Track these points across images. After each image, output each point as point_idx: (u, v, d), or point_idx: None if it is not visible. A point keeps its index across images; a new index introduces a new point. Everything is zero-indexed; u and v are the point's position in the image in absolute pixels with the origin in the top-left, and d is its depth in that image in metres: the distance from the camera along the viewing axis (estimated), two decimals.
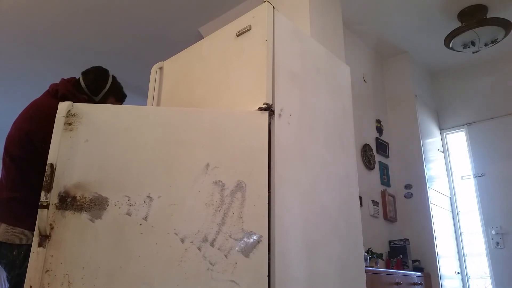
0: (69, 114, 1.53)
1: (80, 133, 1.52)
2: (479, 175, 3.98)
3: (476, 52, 3.71)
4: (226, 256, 1.36)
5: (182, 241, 1.38)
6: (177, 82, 2.09)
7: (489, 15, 3.46)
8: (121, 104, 2.08)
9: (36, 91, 2.29)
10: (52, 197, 1.44)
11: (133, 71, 4.36)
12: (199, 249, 1.37)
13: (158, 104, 2.13)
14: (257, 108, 1.57)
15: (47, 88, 2.04)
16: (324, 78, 2.01)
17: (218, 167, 1.48)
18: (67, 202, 1.44)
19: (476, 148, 4.07)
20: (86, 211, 1.42)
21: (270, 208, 1.45)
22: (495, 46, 3.65)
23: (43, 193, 1.43)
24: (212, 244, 1.38)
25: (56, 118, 1.51)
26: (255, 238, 1.38)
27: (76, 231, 1.41)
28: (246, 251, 1.36)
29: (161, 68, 2.21)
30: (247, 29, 1.77)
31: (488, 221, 3.82)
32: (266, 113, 1.55)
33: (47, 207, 1.42)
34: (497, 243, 3.72)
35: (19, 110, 2.28)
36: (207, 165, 1.48)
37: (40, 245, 1.40)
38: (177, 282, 1.34)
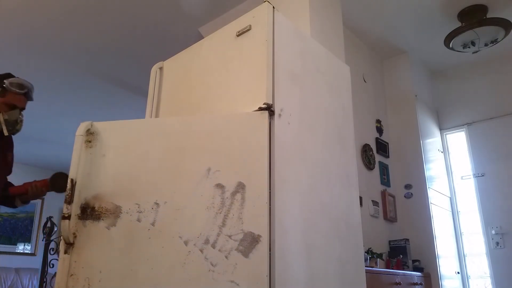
0: (88, 133, 1.67)
1: (98, 149, 1.65)
2: (479, 175, 3.98)
3: (476, 52, 3.71)
4: (226, 257, 1.38)
5: (186, 244, 1.43)
6: (177, 82, 2.08)
7: (489, 15, 3.46)
8: (23, 95, 2.13)
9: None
10: (74, 209, 1.56)
11: (133, 71, 4.37)
12: (201, 251, 1.40)
13: (158, 104, 2.13)
14: (257, 108, 1.57)
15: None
16: (324, 78, 2.01)
17: (219, 170, 1.50)
18: (88, 212, 1.57)
19: (476, 148, 4.08)
20: (103, 219, 1.54)
21: (270, 208, 1.45)
22: (495, 46, 3.65)
23: (65, 205, 1.56)
24: (213, 246, 1.40)
25: (76, 137, 1.64)
26: (254, 238, 1.38)
27: (95, 238, 1.53)
28: (246, 252, 1.37)
29: (161, 68, 2.21)
30: (247, 29, 1.77)
31: (488, 221, 3.82)
32: (266, 113, 1.55)
33: (69, 218, 1.54)
34: (497, 243, 3.72)
35: None
36: (209, 169, 1.51)
37: (65, 252, 1.54)
38: (181, 283, 1.39)
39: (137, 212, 1.52)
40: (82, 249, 1.53)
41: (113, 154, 1.64)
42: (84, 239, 1.54)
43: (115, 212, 1.54)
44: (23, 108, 2.18)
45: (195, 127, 1.61)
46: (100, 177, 1.61)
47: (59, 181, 2.10)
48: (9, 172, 2.24)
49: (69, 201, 1.56)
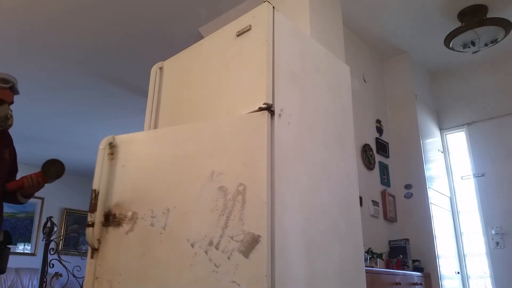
0: (111, 146, 1.78)
1: (118, 161, 1.77)
2: (479, 175, 3.98)
3: (476, 52, 3.71)
4: (228, 258, 1.39)
5: (192, 246, 1.47)
6: (177, 82, 2.08)
7: (489, 15, 3.46)
8: (8, 89, 2.13)
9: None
10: (98, 216, 1.67)
11: (133, 71, 4.37)
12: (206, 252, 1.43)
13: (158, 104, 2.13)
14: (257, 108, 1.57)
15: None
16: (324, 78, 2.01)
17: (222, 173, 1.52)
18: (110, 219, 1.68)
19: (476, 148, 4.07)
20: (122, 225, 1.65)
21: (271, 208, 1.44)
22: (495, 46, 3.65)
23: (89, 214, 1.67)
24: (216, 247, 1.42)
25: (99, 150, 1.75)
26: (254, 238, 1.38)
27: (116, 243, 1.64)
28: (246, 252, 1.37)
29: (161, 68, 2.21)
30: (247, 29, 1.76)
31: (488, 221, 3.82)
32: (266, 113, 1.55)
33: (92, 225, 1.65)
34: (497, 243, 3.72)
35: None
36: (212, 173, 1.53)
37: (91, 257, 1.67)
38: (188, 284, 1.43)
39: (151, 217, 1.59)
40: (105, 253, 1.64)
41: (131, 163, 1.75)
42: (107, 244, 1.65)
43: (133, 218, 1.63)
44: (12, 102, 2.18)
45: (200, 133, 1.66)
46: (120, 186, 1.72)
47: (50, 167, 2.15)
48: (8, 168, 2.23)
49: (92, 209, 1.67)
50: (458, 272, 3.81)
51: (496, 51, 4.00)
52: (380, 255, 3.07)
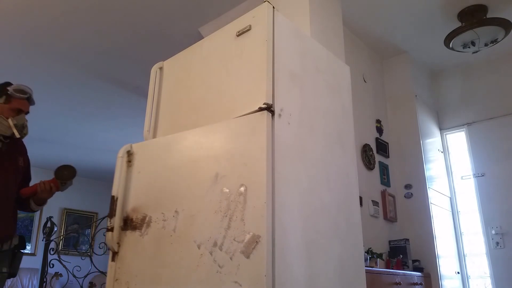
0: (129, 154, 1.88)
1: (135, 167, 1.86)
2: (479, 175, 3.98)
3: (476, 52, 3.71)
4: (231, 258, 1.40)
5: (199, 247, 1.50)
6: (177, 82, 2.08)
7: (489, 15, 3.46)
8: (26, 100, 2.21)
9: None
10: (118, 221, 1.76)
11: (133, 71, 4.37)
12: (211, 253, 1.46)
13: (158, 104, 2.13)
14: (257, 108, 1.57)
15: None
16: (324, 78, 2.01)
17: (225, 175, 1.54)
18: (128, 223, 1.76)
19: (476, 148, 4.07)
20: (138, 229, 1.72)
21: (272, 208, 1.45)
22: (495, 46, 3.65)
23: (108, 219, 1.76)
24: (220, 248, 1.44)
25: (117, 158, 1.84)
26: (254, 239, 1.38)
27: (132, 246, 1.71)
28: (247, 252, 1.37)
29: (161, 68, 2.21)
30: (247, 29, 1.76)
31: (488, 221, 3.82)
32: (266, 113, 1.55)
33: (111, 230, 1.74)
34: (497, 243, 3.72)
35: None
36: (216, 175, 1.56)
37: (112, 260, 1.75)
38: (194, 284, 1.47)
39: (162, 220, 1.65)
40: (124, 256, 1.72)
41: (145, 170, 1.82)
42: (126, 247, 1.72)
43: (147, 222, 1.69)
44: (27, 112, 2.25)
45: (204, 137, 1.69)
46: (136, 191, 1.80)
47: (63, 171, 2.23)
48: (23, 176, 2.29)
49: (111, 215, 1.75)
50: (458, 272, 3.81)
51: (496, 51, 4.01)
52: (380, 255, 3.07)
